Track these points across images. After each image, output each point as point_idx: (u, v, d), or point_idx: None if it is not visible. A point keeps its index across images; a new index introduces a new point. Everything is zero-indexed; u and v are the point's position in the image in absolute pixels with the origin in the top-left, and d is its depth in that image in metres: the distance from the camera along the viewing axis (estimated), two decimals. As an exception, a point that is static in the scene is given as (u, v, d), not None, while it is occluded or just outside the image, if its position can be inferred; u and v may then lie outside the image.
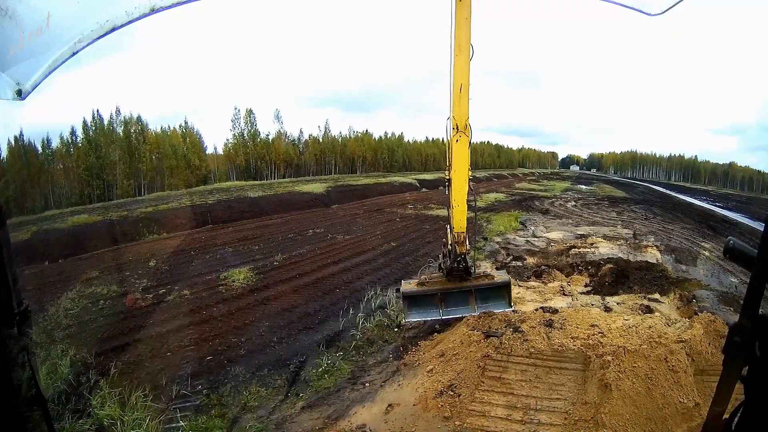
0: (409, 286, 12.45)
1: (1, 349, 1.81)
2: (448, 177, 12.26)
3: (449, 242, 12.44)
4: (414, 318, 12.24)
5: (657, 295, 14.18)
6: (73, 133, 60.53)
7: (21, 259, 23.00)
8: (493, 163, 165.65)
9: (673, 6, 4.20)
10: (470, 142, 11.83)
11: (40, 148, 56.53)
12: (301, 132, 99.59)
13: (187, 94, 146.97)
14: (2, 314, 1.79)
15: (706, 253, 24.58)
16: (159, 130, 72.94)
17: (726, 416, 1.91)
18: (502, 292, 12.35)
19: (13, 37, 2.78)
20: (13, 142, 52.18)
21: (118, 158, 61.66)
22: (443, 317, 12.16)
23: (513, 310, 12.00)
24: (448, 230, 12.72)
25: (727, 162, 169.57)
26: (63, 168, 59.28)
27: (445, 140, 12.33)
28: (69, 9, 3.23)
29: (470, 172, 12.12)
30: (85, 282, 18.76)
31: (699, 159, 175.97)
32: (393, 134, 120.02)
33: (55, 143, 59.40)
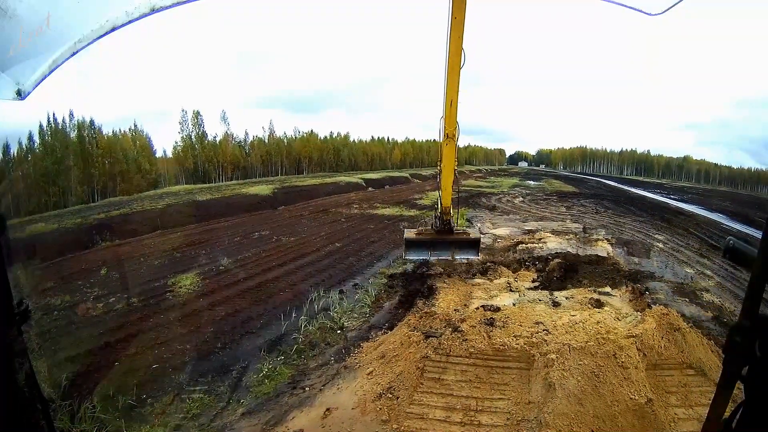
0: (410, 234, 17.08)
1: (1, 349, 1.90)
2: (438, 168, 16.32)
3: (438, 212, 16.81)
4: (411, 256, 17.10)
5: (608, 289, 14.28)
6: (30, 138, 59.90)
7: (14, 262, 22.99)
8: (438, 160, 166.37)
9: (673, 6, 4.20)
10: (456, 144, 15.21)
11: (14, 152, 56.00)
12: (246, 133, 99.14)
13: (137, 96, 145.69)
14: (2, 314, 1.86)
15: (660, 245, 24.75)
16: (110, 133, 72.54)
17: (726, 416, 1.94)
18: (474, 246, 16.87)
19: (13, 37, 2.80)
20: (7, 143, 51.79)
21: (72, 163, 61.09)
22: (430, 258, 17.19)
23: (478, 258, 17.64)
24: (438, 203, 16.98)
25: (682, 156, 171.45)
26: (21, 174, 58.70)
27: (439, 142, 15.49)
28: (69, 9, 3.26)
29: (456, 164, 15.79)
30: (41, 293, 18.56)
31: (652, 154, 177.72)
32: (339, 134, 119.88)
33: (14, 149, 58.82)
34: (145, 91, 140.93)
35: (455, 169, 15.99)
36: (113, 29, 3.44)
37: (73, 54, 3.32)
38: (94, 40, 3.41)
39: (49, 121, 61.72)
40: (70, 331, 14.54)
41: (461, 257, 16.85)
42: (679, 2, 4.13)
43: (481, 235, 18.73)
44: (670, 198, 69.31)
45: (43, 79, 3.19)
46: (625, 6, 5.01)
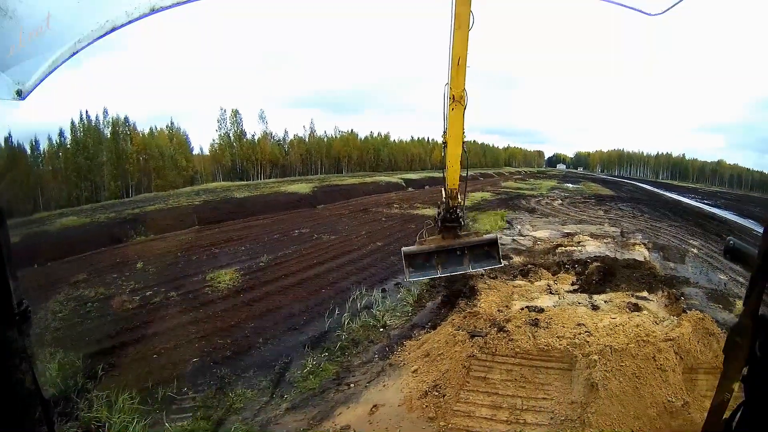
0: (409, 248, 13.91)
1: (1, 349, 1.82)
2: (444, 140, 13.87)
3: (444, 197, 14.20)
4: (414, 277, 13.68)
5: (645, 293, 14.14)
6: (61, 134, 60.36)
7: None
8: (479, 162, 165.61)
9: (673, 6, 4.20)
10: (465, 110, 13.02)
11: (28, 150, 56.38)
12: (286, 132, 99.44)
13: (175, 95, 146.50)
14: (2, 314, 1.79)
15: (695, 251, 24.60)
16: (147, 131, 72.85)
17: (726, 416, 1.93)
18: (491, 250, 13.93)
19: (13, 37, 2.79)
20: (2, 144, 52.24)
21: (105, 159, 61.47)
22: (441, 275, 13.94)
23: (503, 265, 14.88)
24: (443, 189, 14.36)
25: (715, 160, 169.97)
26: (52, 170, 59.05)
27: (444, 106, 13.54)
28: (69, 9, 3.23)
29: (464, 136, 13.54)
30: (73, 285, 18.66)
31: (686, 157, 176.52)
32: (379, 134, 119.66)
33: (44, 145, 59.23)
34: (182, 89, 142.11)
35: (464, 142, 13.89)
36: (113, 29, 3.42)
37: (73, 54, 3.32)
38: (94, 40, 3.41)
39: (81, 117, 62.16)
40: (105, 323, 14.58)
41: (480, 268, 14.33)
42: (679, 2, 4.15)
43: (496, 236, 15.55)
44: (704, 203, 68.79)
45: (43, 79, 3.20)
46: (625, 6, 5.02)
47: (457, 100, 12.80)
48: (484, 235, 15.07)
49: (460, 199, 14.14)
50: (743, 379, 1.84)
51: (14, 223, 33.83)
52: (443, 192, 14.44)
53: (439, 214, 14.51)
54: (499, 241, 14.42)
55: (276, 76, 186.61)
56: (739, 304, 12.75)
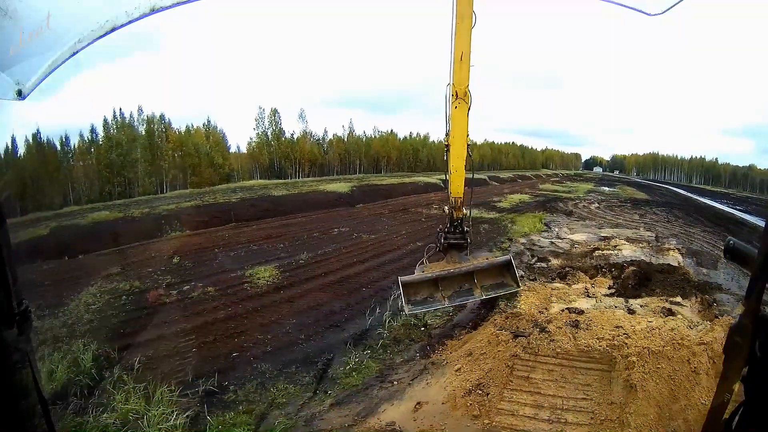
0: (407, 276, 12.36)
1: (1, 349, 1.81)
2: (447, 143, 12.69)
3: (447, 208, 13.00)
4: (415, 310, 12.14)
5: (678, 299, 14.11)
6: (92, 131, 60.87)
7: (37, 255, 23.16)
8: (517, 164, 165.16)
9: (673, 6, 4.25)
10: (469, 109, 12.16)
11: (58, 146, 56.86)
12: (325, 132, 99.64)
13: (212, 93, 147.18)
14: (2, 314, 1.79)
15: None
16: (183, 128, 73.35)
17: (726, 416, 1.95)
18: (505, 272, 12.49)
19: (13, 37, 2.83)
20: (30, 140, 52.70)
21: (139, 156, 61.86)
22: (447, 305, 12.40)
23: (521, 288, 12.87)
24: (448, 195, 13.01)
25: (747, 164, 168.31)
26: (82, 165, 59.47)
27: (446, 108, 12.48)
28: (69, 9, 3.29)
29: (468, 139, 12.53)
30: (106, 278, 18.81)
31: (719, 162, 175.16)
32: (418, 134, 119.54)
33: (74, 141, 59.71)
34: (220, 89, 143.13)
35: (468, 145, 12.62)
36: (113, 29, 3.46)
37: (74, 54, 3.35)
38: (94, 40, 3.44)
39: (114, 114, 62.70)
40: (141, 316, 14.69)
41: (494, 294, 12.39)
42: (679, 2, 4.18)
43: (510, 256, 13.39)
44: (735, 208, 68.17)
45: (43, 79, 3.22)
46: (625, 6, 5.07)
47: (460, 96, 12.00)
48: (496, 258, 13.68)
49: (465, 212, 12.95)
50: (743, 379, 1.87)
51: (41, 216, 34.18)
52: (449, 198, 13.02)
53: (441, 231, 13.11)
54: (514, 263, 12.63)
55: (317, 76, 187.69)
56: (768, 311, 12.86)
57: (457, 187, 12.61)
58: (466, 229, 12.75)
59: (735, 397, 1.91)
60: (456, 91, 11.94)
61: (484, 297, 12.25)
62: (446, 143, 12.75)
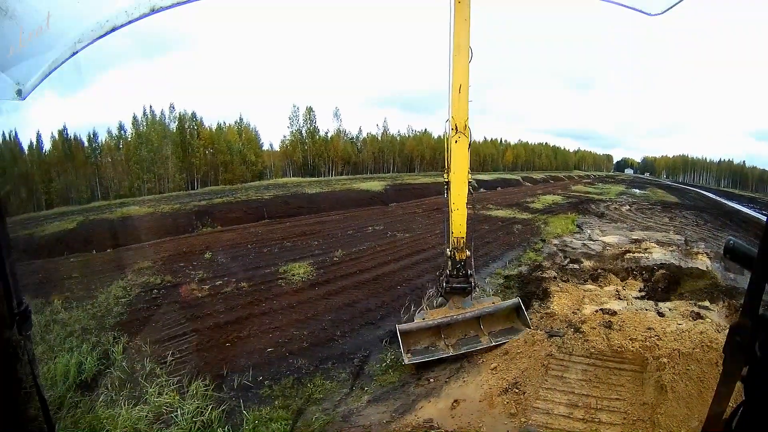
0: (406, 324, 11.75)
1: (1, 349, 1.86)
2: (446, 180, 12.07)
3: (448, 250, 12.19)
4: (415, 360, 10.94)
5: (707, 303, 14.09)
6: (121, 128, 61.45)
7: (64, 248, 23.38)
8: (549, 164, 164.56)
9: (673, 6, 4.36)
10: (470, 144, 11.75)
11: (86, 142, 57.40)
12: (360, 130, 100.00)
13: (245, 91, 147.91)
14: (2, 314, 1.84)
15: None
16: (215, 126, 73.95)
17: (726, 416, 1.98)
18: (513, 315, 12.03)
19: (13, 37, 2.89)
20: (56, 136, 53.23)
21: (170, 152, 62.25)
22: (452, 354, 11.09)
23: (531, 330, 11.17)
24: (447, 237, 12.42)
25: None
26: (111, 161, 59.98)
27: (446, 143, 12.13)
28: (69, 9, 3.40)
29: (470, 176, 12.02)
30: (137, 271, 19.06)
31: (747, 165, 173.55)
32: None
33: (102, 137, 60.31)
34: (254, 85, 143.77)
35: (470, 181, 12.15)
36: (113, 29, 3.60)
37: (73, 54, 3.45)
38: (94, 40, 3.56)
39: (144, 111, 63.29)
40: (174, 310, 14.82)
41: (504, 340, 11.13)
42: (679, 2, 4.27)
43: (518, 300, 12.39)
44: (762, 213, 67.61)
45: (43, 79, 3.30)
46: (625, 6, 5.18)
47: (460, 130, 11.48)
48: (503, 302, 12.48)
49: (468, 252, 12.08)
50: (743, 379, 1.88)
51: (68, 211, 34.44)
52: (449, 240, 12.28)
53: (441, 274, 12.53)
54: (522, 307, 11.91)
55: (354, 76, 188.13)
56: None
57: (458, 226, 12.06)
58: (469, 272, 12.10)
59: (735, 396, 1.94)
60: (455, 125, 11.50)
61: (493, 344, 11.15)
62: (445, 181, 12.12)
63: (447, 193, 12.09)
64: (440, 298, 12.95)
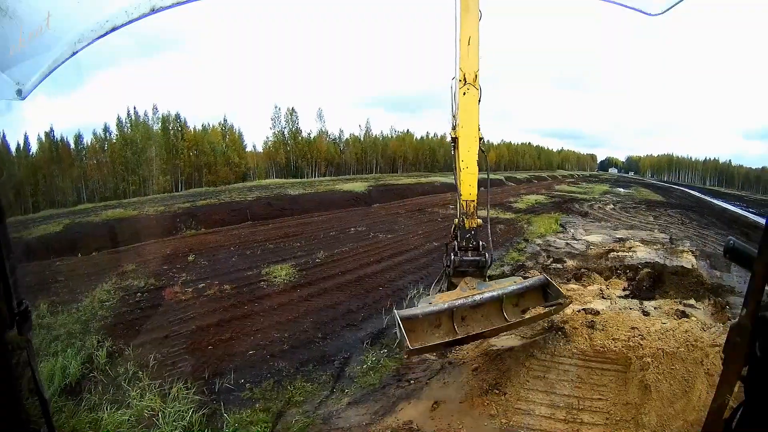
0: (407, 310, 8.94)
1: (1, 349, 1.83)
2: (453, 136, 10.26)
3: (457, 215, 10.18)
4: (422, 347, 8.30)
5: (692, 301, 14.05)
6: (106, 129, 61.30)
7: (51, 252, 23.31)
8: (533, 164, 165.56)
9: (673, 6, 4.29)
10: (480, 99, 10.02)
11: (72, 144, 57.32)
12: (341, 131, 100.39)
13: (229, 93, 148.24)
14: (2, 314, 1.83)
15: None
16: (199, 128, 74.00)
17: (726, 416, 1.97)
18: (539, 297, 9.65)
19: (13, 37, 2.88)
20: (43, 138, 53.08)
21: (154, 154, 62.25)
22: (464, 336, 8.77)
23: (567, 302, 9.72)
24: (458, 199, 10.20)
25: (760, 167, 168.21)
26: (96, 163, 59.92)
27: (452, 104, 10.46)
28: (69, 9, 3.36)
29: (480, 133, 10.14)
30: (121, 275, 19.00)
31: (733, 163, 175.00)
32: (435, 134, 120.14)
33: (87, 139, 60.23)
34: (238, 88, 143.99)
35: (480, 139, 10.06)
36: (113, 29, 3.56)
37: (73, 54, 3.43)
38: (94, 40, 3.53)
39: (128, 113, 63.25)
40: (157, 313, 14.79)
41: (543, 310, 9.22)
42: (679, 2, 4.21)
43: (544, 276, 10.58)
44: (749, 211, 67.91)
45: (43, 79, 3.28)
46: (625, 6, 5.10)
47: (469, 82, 9.88)
48: (526, 280, 10.13)
49: (480, 220, 10.10)
50: (743, 379, 1.88)
51: (54, 214, 34.34)
52: (458, 202, 10.21)
53: (449, 247, 10.23)
54: (552, 281, 9.78)
55: (336, 76, 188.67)
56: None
57: (468, 187, 9.98)
58: (482, 243, 9.96)
59: (735, 397, 1.93)
60: (464, 76, 9.90)
61: (526, 318, 9.17)
62: (452, 137, 10.32)
63: (454, 151, 10.27)
64: (447, 281, 10.42)
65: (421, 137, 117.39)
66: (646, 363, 8.52)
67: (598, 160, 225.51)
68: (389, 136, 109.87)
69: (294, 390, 10.12)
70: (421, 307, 8.92)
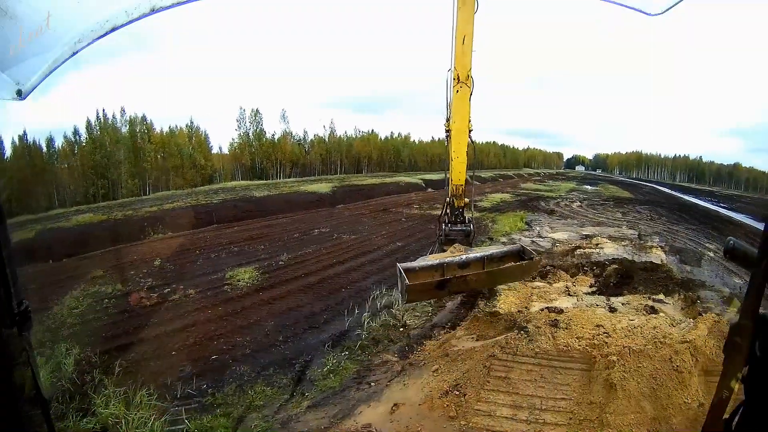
0: (407, 263, 11.17)
1: (1, 349, 1.82)
2: (447, 129, 13.05)
3: (448, 196, 13.45)
4: (413, 300, 11.55)
5: (661, 296, 14.06)
6: (76, 132, 60.89)
7: (24, 258, 23.08)
8: (498, 163, 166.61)
9: (673, 6, 4.20)
10: (471, 94, 12.51)
11: (44, 147, 56.92)
12: (305, 132, 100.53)
13: (195, 95, 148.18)
14: (2, 314, 1.80)
15: (711, 254, 24.56)
16: (166, 129, 74.08)
17: (726, 416, 1.91)
18: (516, 261, 11.60)
19: (13, 37, 2.79)
20: (17, 141, 52.61)
21: (123, 157, 62.00)
22: (448, 276, 10.74)
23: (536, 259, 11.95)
24: (447, 183, 13.61)
25: (731, 163, 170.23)
26: (68, 167, 59.58)
27: (447, 94, 12.86)
28: (69, 9, 3.25)
29: (470, 124, 12.87)
30: (90, 281, 18.81)
31: (704, 160, 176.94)
32: (399, 134, 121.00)
33: (59, 142, 59.80)
34: (204, 90, 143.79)
35: (469, 130, 13.10)
36: (113, 29, 3.41)
37: (74, 54, 3.32)
38: (94, 40, 3.41)
39: (97, 116, 62.78)
40: (123, 319, 14.67)
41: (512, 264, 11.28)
42: (679, 2, 4.14)
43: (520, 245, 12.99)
44: (720, 206, 68.62)
45: (43, 79, 3.20)
46: (625, 6, 5.03)
47: (462, 80, 12.33)
48: (505, 246, 13.73)
49: (467, 200, 13.29)
50: (743, 379, 1.84)
51: (27, 219, 34.14)
52: (447, 185, 13.54)
53: (441, 222, 13.43)
54: (526, 249, 12.01)
55: (301, 77, 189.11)
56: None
57: (458, 174, 13.16)
58: (468, 217, 13.21)
59: (735, 396, 1.88)
60: (458, 75, 12.23)
61: (498, 252, 11.83)
62: (446, 129, 13.03)
63: (448, 142, 13.31)
64: (440, 248, 13.49)
65: (386, 137, 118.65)
66: (611, 361, 8.44)
67: (565, 158, 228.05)
68: (354, 136, 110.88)
69: (255, 394, 10.04)
70: (418, 262, 11.27)
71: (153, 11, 3.59)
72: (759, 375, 1.79)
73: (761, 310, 1.79)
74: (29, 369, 1.91)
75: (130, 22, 3.52)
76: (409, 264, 11.01)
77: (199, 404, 9.85)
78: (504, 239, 26.32)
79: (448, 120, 13.07)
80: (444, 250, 12.64)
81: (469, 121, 13.00)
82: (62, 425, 8.66)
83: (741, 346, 1.82)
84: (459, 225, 13.37)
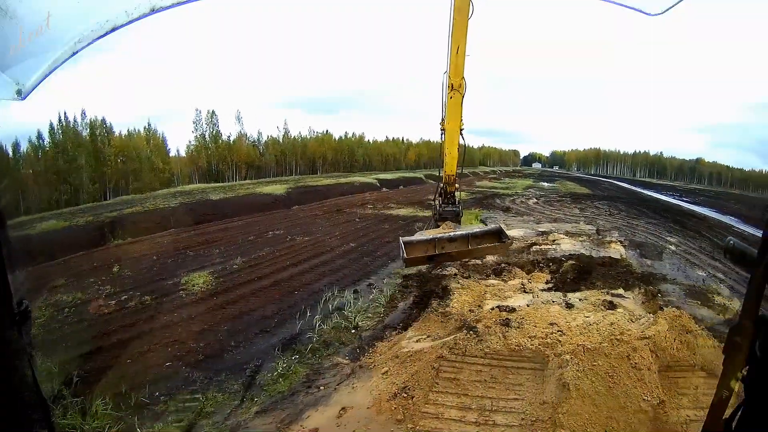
0: (407, 237, 14.85)
1: (1, 350, 1.83)
2: (442, 128, 15.67)
3: (442, 184, 16.50)
4: (411, 264, 15.15)
5: (621, 291, 14.06)
6: (39, 137, 60.27)
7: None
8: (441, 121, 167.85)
9: (673, 6, 4.15)
10: (463, 98, 14.56)
11: (10, 152, 56.36)
12: (260, 133, 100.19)
13: (154, 97, 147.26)
14: (2, 314, 1.80)
15: (672, 248, 24.70)
16: (125, 132, 73.53)
17: (726, 416, 1.92)
18: (496, 239, 14.85)
19: (13, 37, 2.78)
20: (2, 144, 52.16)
21: (84, 162, 61.49)
22: (442, 252, 14.33)
23: (509, 241, 15.25)
24: (441, 176, 16.73)
25: (694, 158, 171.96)
26: (32, 173, 59.00)
27: (443, 95, 15.17)
28: (69, 9, 3.20)
29: (462, 123, 15.14)
30: (52, 290, 18.62)
31: (665, 155, 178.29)
32: (354, 134, 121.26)
33: (24, 147, 59.25)
34: (161, 91, 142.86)
35: (461, 130, 15.63)
36: (113, 29, 3.33)
37: (73, 54, 3.25)
38: (94, 40, 3.33)
39: (59, 119, 62.14)
40: (82, 328, 14.60)
41: (482, 246, 14.77)
42: (679, 2, 4.11)
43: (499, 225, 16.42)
44: (683, 200, 69.33)
45: (43, 79, 3.15)
46: (625, 6, 4.97)
47: (455, 88, 14.12)
48: (487, 226, 16.97)
49: (457, 185, 15.70)
50: (743, 379, 1.85)
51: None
52: (441, 179, 16.53)
53: (435, 204, 16.08)
54: (504, 230, 15.19)
55: (254, 78, 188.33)
56: (718, 300, 12.76)
57: (451, 167, 16.20)
58: (457, 200, 16.34)
59: (735, 396, 1.90)
60: (451, 84, 14.17)
61: (478, 231, 15.32)
62: (442, 128, 15.73)
63: (442, 139, 15.96)
64: (434, 225, 16.40)
65: (340, 137, 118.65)
66: (564, 360, 8.41)
67: (521, 156, 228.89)
68: (308, 137, 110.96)
69: (206, 401, 10.01)
70: (416, 236, 14.72)
71: (153, 11, 3.57)
72: (759, 375, 1.81)
73: (761, 311, 1.80)
74: (29, 369, 1.93)
75: (130, 22, 3.48)
76: (409, 238, 14.55)
77: (152, 412, 9.76)
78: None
79: (443, 120, 15.39)
80: (438, 226, 15.53)
81: (461, 120, 15.27)
82: (73, 422, 8.84)
83: (741, 346, 1.85)
84: (450, 206, 16.09)
